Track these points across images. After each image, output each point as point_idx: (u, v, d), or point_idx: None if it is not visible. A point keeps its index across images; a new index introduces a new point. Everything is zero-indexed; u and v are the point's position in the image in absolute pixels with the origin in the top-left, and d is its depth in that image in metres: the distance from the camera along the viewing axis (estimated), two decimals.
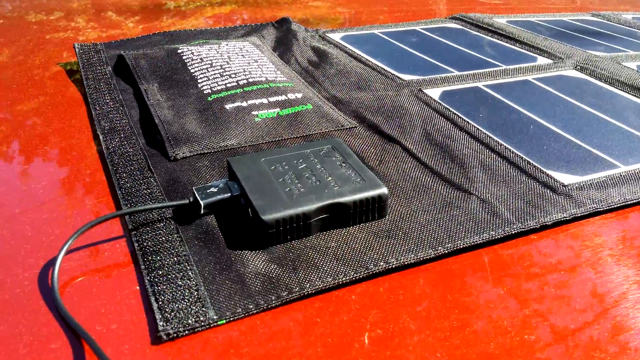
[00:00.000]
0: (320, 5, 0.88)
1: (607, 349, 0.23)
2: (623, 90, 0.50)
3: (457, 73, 0.52)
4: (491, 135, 0.39)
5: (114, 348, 0.22)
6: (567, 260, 0.28)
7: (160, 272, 0.25)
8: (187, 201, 0.29)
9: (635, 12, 0.87)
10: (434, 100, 0.45)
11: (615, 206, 0.32)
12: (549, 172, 0.35)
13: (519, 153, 0.37)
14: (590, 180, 0.34)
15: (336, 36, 0.62)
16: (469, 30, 0.68)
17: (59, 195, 0.32)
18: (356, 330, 0.23)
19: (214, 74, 0.44)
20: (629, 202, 0.33)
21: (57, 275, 0.25)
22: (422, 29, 0.68)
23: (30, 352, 0.22)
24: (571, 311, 0.25)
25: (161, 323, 0.23)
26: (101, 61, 0.49)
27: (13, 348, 0.22)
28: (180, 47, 0.49)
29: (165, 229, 0.28)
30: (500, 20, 0.73)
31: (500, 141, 0.39)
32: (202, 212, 0.29)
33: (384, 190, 0.29)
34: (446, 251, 0.28)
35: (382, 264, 0.27)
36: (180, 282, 0.25)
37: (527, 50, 0.61)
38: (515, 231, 0.29)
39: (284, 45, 0.56)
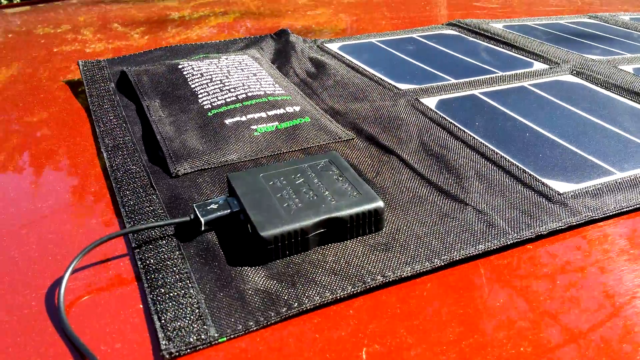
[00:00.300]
0: (323, 12, 0.89)
1: None
2: (619, 95, 0.50)
3: (453, 81, 0.52)
4: (487, 144, 0.40)
5: None
6: (562, 270, 0.29)
7: (163, 290, 0.26)
8: (188, 218, 0.30)
9: (632, 13, 0.88)
10: (431, 110, 0.45)
11: (611, 214, 0.33)
12: (545, 180, 0.35)
13: (514, 162, 0.38)
14: (585, 187, 0.35)
15: (334, 46, 0.62)
16: (466, 36, 0.69)
17: (65, 213, 0.33)
18: (354, 346, 0.24)
19: (214, 88, 0.45)
20: (625, 210, 0.33)
21: (63, 296, 0.25)
22: (419, 36, 0.68)
23: None
24: (571, 324, 0.25)
25: (164, 342, 0.23)
26: (104, 78, 0.50)
27: None
28: (181, 63, 0.50)
29: (167, 247, 0.29)
30: (497, 26, 0.74)
31: (496, 150, 0.39)
32: (202, 228, 0.30)
33: (380, 203, 0.30)
34: (442, 263, 0.28)
35: (379, 277, 0.27)
36: (182, 300, 0.25)
37: (523, 55, 0.61)
38: (511, 241, 0.30)
39: (282, 57, 0.57)
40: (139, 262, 0.28)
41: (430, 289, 0.27)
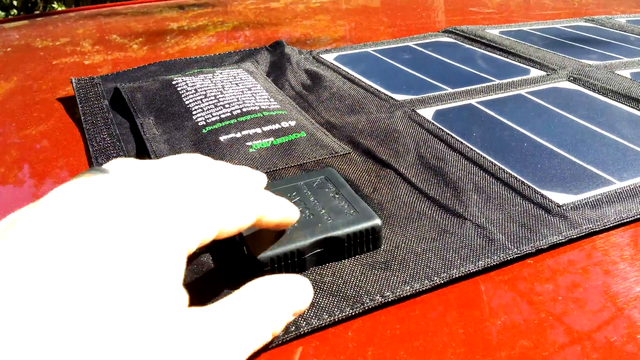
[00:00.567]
0: (320, 20, 0.89)
1: None
2: (617, 101, 0.50)
3: (450, 90, 0.52)
4: (485, 155, 0.40)
5: None
6: (565, 286, 0.28)
7: None
8: None
9: (629, 15, 0.88)
10: (427, 121, 0.45)
11: (611, 225, 0.32)
12: (544, 192, 0.35)
13: (512, 173, 0.37)
14: (585, 199, 0.34)
15: (330, 57, 0.62)
16: (462, 43, 0.69)
17: None
18: None
19: (208, 104, 0.44)
20: (625, 221, 0.33)
21: None
22: (415, 44, 0.68)
23: None
24: (576, 344, 0.25)
25: None
26: (98, 95, 0.50)
27: None
28: (175, 78, 0.49)
29: None
30: (493, 32, 0.73)
31: (493, 161, 0.39)
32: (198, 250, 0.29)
33: (377, 221, 0.29)
34: (442, 281, 0.28)
35: (378, 297, 0.27)
36: None
37: (520, 62, 0.61)
38: (511, 257, 0.30)
39: (277, 69, 0.57)
40: None
41: (430, 308, 0.27)
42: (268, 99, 0.46)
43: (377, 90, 0.52)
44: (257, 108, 0.44)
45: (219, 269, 0.29)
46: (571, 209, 0.33)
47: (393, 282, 0.28)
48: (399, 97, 0.50)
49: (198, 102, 0.45)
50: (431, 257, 0.29)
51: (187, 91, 0.47)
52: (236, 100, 0.45)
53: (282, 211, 0.27)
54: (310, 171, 0.37)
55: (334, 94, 0.51)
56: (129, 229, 0.19)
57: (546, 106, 0.49)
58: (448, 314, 0.26)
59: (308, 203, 0.31)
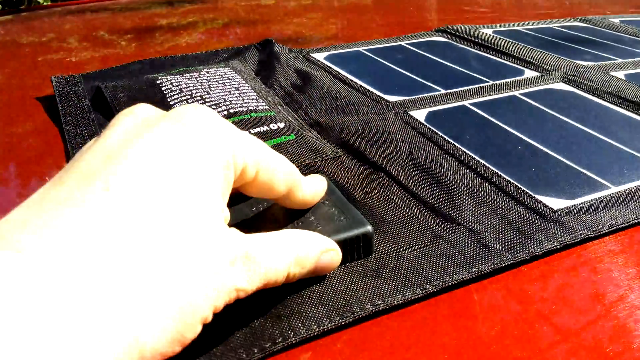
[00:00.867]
0: (312, 17, 0.88)
1: None
2: (611, 103, 0.49)
3: (443, 91, 0.51)
4: (478, 158, 0.39)
5: None
6: (560, 293, 0.27)
7: None
8: None
9: (622, 15, 0.87)
10: (420, 123, 0.44)
11: (607, 231, 0.32)
12: (538, 196, 0.34)
13: (506, 177, 0.36)
14: (580, 204, 0.34)
15: (320, 56, 0.61)
16: (455, 43, 0.68)
17: None
18: None
19: None
20: (620, 226, 0.32)
21: None
22: (408, 43, 0.67)
23: None
24: (572, 354, 0.24)
25: None
26: (79, 94, 0.48)
27: None
28: (160, 77, 0.48)
29: None
30: (487, 31, 0.73)
31: (487, 165, 0.38)
32: None
33: (368, 228, 0.28)
34: (435, 289, 0.27)
35: (368, 306, 0.26)
36: None
37: (514, 62, 0.60)
38: (505, 264, 0.29)
39: (266, 68, 0.56)
40: None
41: (422, 317, 0.26)
42: (256, 99, 0.45)
43: (369, 91, 0.51)
44: (244, 109, 0.43)
45: None
46: (566, 214, 0.33)
47: (384, 290, 0.27)
48: (391, 98, 0.49)
49: (183, 103, 0.44)
50: (424, 264, 0.28)
51: (171, 91, 0.45)
52: (223, 101, 0.44)
53: (312, 186, 0.28)
54: None
55: (324, 94, 0.49)
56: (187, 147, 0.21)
57: (540, 108, 0.48)
58: (441, 324, 0.26)
59: (297, 210, 0.29)
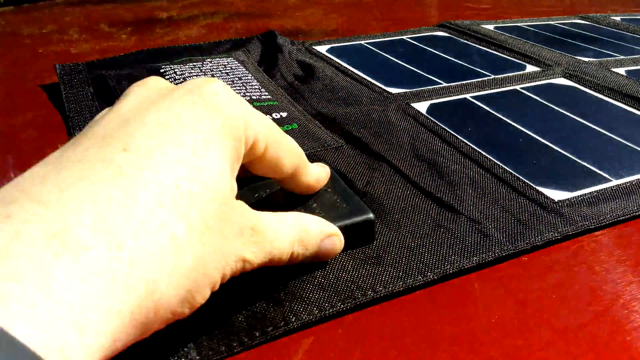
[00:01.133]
0: (313, 12, 0.88)
1: None
2: (612, 98, 0.49)
3: (444, 84, 0.51)
4: (479, 150, 0.39)
5: None
6: (560, 283, 0.28)
7: None
8: None
9: (623, 14, 0.87)
10: (422, 115, 0.44)
11: (607, 223, 0.32)
12: (539, 188, 0.34)
13: (507, 168, 0.37)
14: (581, 195, 0.34)
15: (322, 48, 0.61)
16: (457, 38, 0.68)
17: None
18: None
19: None
20: (620, 219, 0.32)
21: None
22: (410, 38, 0.67)
23: None
24: (571, 342, 0.24)
25: None
26: (83, 82, 0.48)
27: None
28: (163, 66, 0.48)
29: None
30: (488, 27, 0.73)
31: (488, 156, 0.38)
32: None
33: (370, 215, 0.29)
34: (435, 277, 0.27)
35: (370, 292, 0.26)
36: None
37: (516, 57, 0.60)
38: (506, 253, 0.29)
39: (269, 59, 0.56)
40: None
41: (423, 304, 0.26)
42: (259, 89, 0.45)
43: (371, 82, 0.51)
44: (247, 99, 0.43)
45: None
46: (567, 205, 0.33)
47: (386, 277, 0.27)
48: (393, 90, 0.50)
49: None
50: (425, 252, 0.29)
51: (175, 80, 0.45)
52: None
53: (317, 171, 0.28)
54: None
55: (326, 85, 0.50)
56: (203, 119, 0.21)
57: (541, 102, 0.48)
58: (441, 312, 0.26)
59: (299, 196, 0.30)
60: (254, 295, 0.26)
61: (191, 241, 0.19)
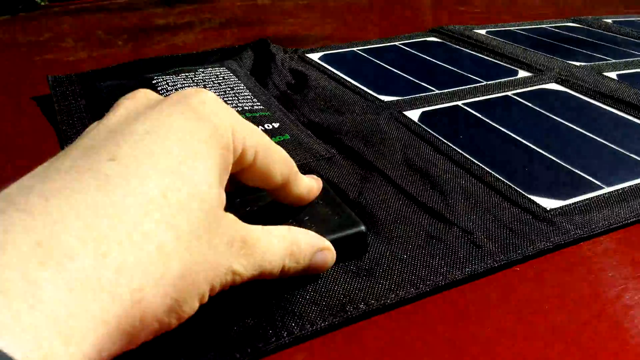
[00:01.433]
0: (308, 17, 0.88)
1: None
2: (604, 103, 0.50)
3: (436, 92, 0.51)
4: (471, 158, 0.39)
5: None
6: (554, 294, 0.28)
7: None
8: None
9: (616, 16, 0.88)
10: (414, 123, 0.44)
11: (599, 231, 0.32)
12: (531, 196, 0.34)
13: (499, 177, 0.37)
14: (573, 204, 0.34)
15: (315, 56, 0.61)
16: (449, 43, 0.68)
17: None
18: None
19: None
20: (613, 227, 0.32)
21: None
22: (402, 44, 0.67)
23: None
24: (565, 355, 0.24)
25: None
26: (75, 94, 0.48)
27: None
28: (155, 77, 0.48)
29: None
30: (480, 32, 0.73)
31: (480, 165, 0.38)
32: None
33: (361, 228, 0.29)
34: (428, 289, 0.27)
35: (362, 306, 0.26)
36: None
37: (507, 63, 0.60)
38: (498, 264, 0.29)
39: (262, 68, 0.56)
40: None
41: (415, 317, 0.26)
42: (251, 99, 0.45)
43: (363, 90, 0.51)
44: (239, 109, 0.43)
45: None
46: (559, 214, 0.33)
47: (378, 290, 0.27)
48: (385, 98, 0.50)
49: None
50: (417, 264, 0.29)
51: (167, 91, 0.45)
52: None
53: (308, 182, 0.28)
54: None
55: (319, 94, 0.50)
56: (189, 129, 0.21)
57: (533, 108, 0.48)
58: (434, 323, 0.26)
59: (291, 209, 0.30)
60: (245, 310, 0.26)
61: (179, 250, 0.19)
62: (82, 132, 0.41)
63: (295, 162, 0.37)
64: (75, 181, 0.18)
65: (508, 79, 0.55)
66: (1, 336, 0.13)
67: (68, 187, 0.17)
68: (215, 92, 0.45)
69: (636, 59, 0.63)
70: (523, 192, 0.35)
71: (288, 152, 0.38)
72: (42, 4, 1.04)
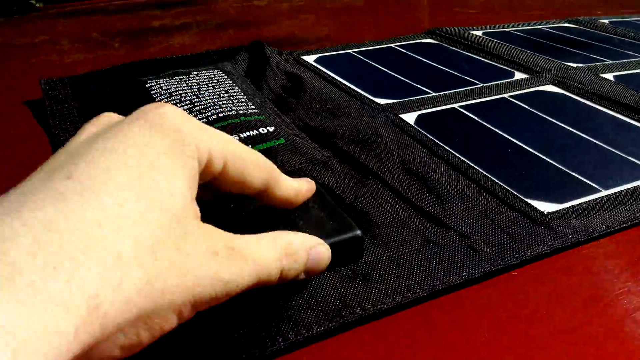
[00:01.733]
0: (305, 19, 0.88)
1: None
2: (601, 105, 0.49)
3: (433, 94, 0.51)
4: (468, 161, 0.39)
5: None
6: (552, 299, 0.27)
7: None
8: None
9: (612, 16, 0.88)
10: (410, 126, 0.44)
11: (597, 235, 0.32)
12: (528, 200, 0.34)
13: (496, 180, 0.36)
14: (570, 207, 0.34)
15: (311, 58, 0.61)
16: (446, 45, 0.68)
17: None
18: None
19: (184, 109, 0.43)
20: (611, 230, 0.32)
21: None
22: (398, 45, 0.67)
23: None
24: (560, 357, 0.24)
25: None
26: (68, 97, 0.48)
27: None
28: (149, 81, 0.48)
29: None
30: (477, 33, 0.73)
31: (477, 168, 0.38)
32: None
33: (357, 232, 0.28)
34: (424, 293, 0.27)
35: (358, 311, 0.26)
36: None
37: (504, 64, 0.60)
38: (495, 268, 0.29)
39: (257, 70, 0.55)
40: None
41: (412, 322, 0.26)
42: (246, 102, 0.45)
43: (359, 93, 0.51)
44: (234, 113, 0.43)
45: None
46: (556, 217, 0.33)
47: (374, 294, 0.27)
48: (381, 101, 0.49)
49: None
50: (414, 269, 0.28)
51: (161, 95, 0.45)
52: (212, 104, 0.44)
53: (294, 184, 0.28)
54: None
55: (314, 97, 0.49)
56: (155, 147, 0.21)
57: (530, 110, 0.48)
58: (431, 330, 0.25)
59: (285, 214, 0.29)
60: (240, 316, 0.25)
61: (139, 257, 0.18)
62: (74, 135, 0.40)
63: (291, 166, 0.37)
64: (30, 201, 0.18)
65: (505, 80, 0.55)
66: None
67: (23, 206, 0.17)
68: (209, 96, 0.45)
69: (633, 60, 0.63)
70: (520, 196, 0.35)
71: (283, 157, 0.38)
72: (37, 5, 1.03)
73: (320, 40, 0.74)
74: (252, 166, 0.25)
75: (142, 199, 0.19)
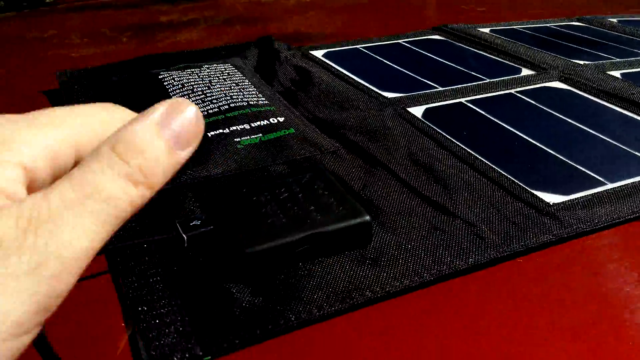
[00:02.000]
0: (312, 15, 0.88)
1: None
2: (608, 101, 0.50)
3: (440, 89, 0.52)
4: (475, 154, 0.39)
5: None
6: (556, 286, 0.28)
7: (145, 309, 0.25)
8: (170, 235, 0.29)
9: (621, 15, 0.88)
10: (418, 119, 0.45)
11: (602, 226, 0.32)
12: (534, 191, 0.35)
13: (503, 172, 0.37)
14: (576, 199, 0.34)
15: (319, 53, 0.62)
16: (453, 41, 0.69)
17: None
18: None
19: (195, 100, 0.44)
20: (616, 222, 0.33)
21: None
22: (405, 41, 0.68)
23: None
24: (567, 346, 0.25)
25: None
26: (83, 89, 0.49)
27: None
28: (162, 73, 0.48)
29: (149, 264, 0.28)
30: (484, 30, 0.73)
31: (484, 160, 0.38)
32: (185, 245, 0.29)
33: (366, 218, 0.29)
34: (432, 278, 0.28)
35: (367, 293, 0.26)
36: (165, 319, 0.24)
37: (511, 61, 0.61)
38: (501, 255, 0.29)
39: (266, 65, 0.56)
40: (120, 280, 0.27)
41: (419, 305, 0.27)
42: (256, 94, 0.46)
43: (367, 87, 0.52)
44: (245, 103, 0.43)
45: (207, 264, 0.28)
46: (562, 208, 0.33)
47: (383, 278, 0.27)
48: (389, 94, 0.50)
49: (185, 98, 0.44)
50: (421, 254, 0.29)
51: (173, 86, 0.46)
52: (224, 95, 0.44)
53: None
54: (300, 167, 0.37)
55: (322, 90, 0.50)
56: None
57: (537, 105, 0.49)
58: (437, 313, 0.26)
59: (297, 199, 0.30)
60: (254, 293, 0.26)
61: None
62: None
63: (300, 155, 0.38)
64: None
65: (511, 76, 0.55)
66: None
67: None
68: (220, 87, 0.46)
69: None
70: (526, 187, 0.35)
71: (293, 146, 0.39)
72: (47, 0, 1.04)
73: (327, 37, 0.74)
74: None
75: None
